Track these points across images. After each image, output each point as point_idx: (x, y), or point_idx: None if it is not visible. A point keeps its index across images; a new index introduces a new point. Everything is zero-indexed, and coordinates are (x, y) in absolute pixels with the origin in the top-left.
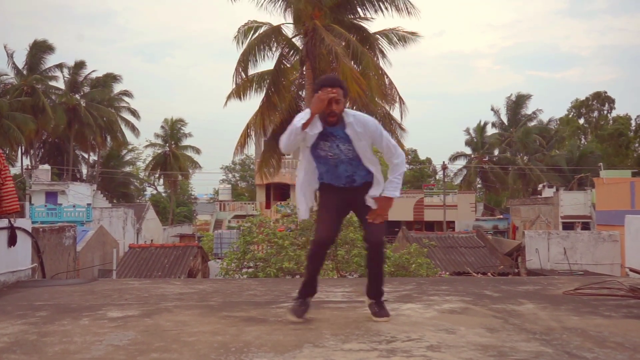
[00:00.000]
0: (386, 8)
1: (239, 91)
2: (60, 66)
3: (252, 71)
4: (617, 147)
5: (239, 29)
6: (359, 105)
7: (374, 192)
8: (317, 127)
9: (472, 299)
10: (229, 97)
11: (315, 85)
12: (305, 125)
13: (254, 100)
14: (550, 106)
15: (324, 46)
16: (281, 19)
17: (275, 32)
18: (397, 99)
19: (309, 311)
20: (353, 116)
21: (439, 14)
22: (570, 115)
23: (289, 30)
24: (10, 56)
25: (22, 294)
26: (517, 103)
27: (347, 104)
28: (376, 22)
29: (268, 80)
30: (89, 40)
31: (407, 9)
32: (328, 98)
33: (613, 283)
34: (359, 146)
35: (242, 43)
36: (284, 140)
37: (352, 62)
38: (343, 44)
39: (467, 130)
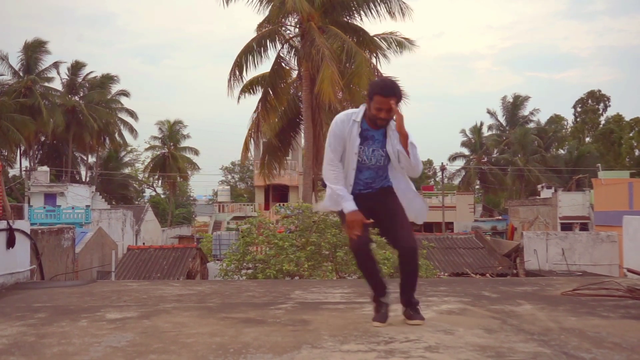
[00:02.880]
0: (380, 9)
1: (248, 87)
2: (56, 65)
3: (251, 72)
4: (609, 145)
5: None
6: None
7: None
8: (357, 133)
9: (471, 299)
10: (242, 92)
11: (369, 90)
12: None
13: (256, 101)
14: (549, 107)
15: (313, 47)
16: (281, 20)
17: (273, 34)
18: None
19: (390, 309)
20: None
21: (437, 15)
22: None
23: (289, 32)
24: (5, 58)
25: (21, 296)
26: (514, 104)
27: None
28: (375, 26)
29: (266, 82)
30: (89, 42)
31: (402, 10)
32: (354, 236)
33: (611, 284)
34: (394, 146)
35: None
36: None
37: (344, 63)
38: (338, 44)
39: (464, 132)
